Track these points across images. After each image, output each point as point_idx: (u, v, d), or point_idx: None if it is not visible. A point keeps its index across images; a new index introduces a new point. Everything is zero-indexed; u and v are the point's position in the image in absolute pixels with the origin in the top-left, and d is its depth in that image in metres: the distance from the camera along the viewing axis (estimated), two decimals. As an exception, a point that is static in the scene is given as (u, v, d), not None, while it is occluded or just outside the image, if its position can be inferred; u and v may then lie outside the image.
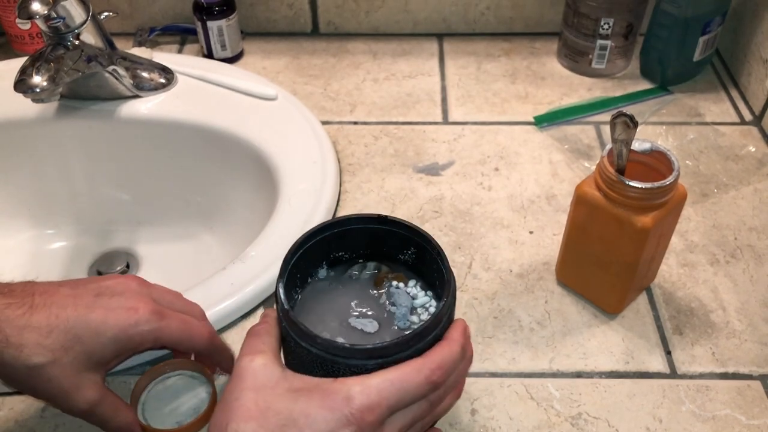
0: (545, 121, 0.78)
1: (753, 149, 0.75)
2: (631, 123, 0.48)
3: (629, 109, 0.74)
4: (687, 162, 0.73)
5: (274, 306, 0.45)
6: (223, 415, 0.38)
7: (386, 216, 0.48)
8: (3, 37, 0.87)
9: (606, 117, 0.79)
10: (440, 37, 0.93)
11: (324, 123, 0.77)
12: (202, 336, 0.47)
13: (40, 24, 0.65)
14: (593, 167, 0.70)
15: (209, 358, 0.49)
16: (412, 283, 0.50)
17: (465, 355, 0.42)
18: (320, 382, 0.39)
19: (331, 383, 0.38)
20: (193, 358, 0.50)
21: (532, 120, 0.79)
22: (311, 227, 0.48)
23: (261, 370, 0.39)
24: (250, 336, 0.42)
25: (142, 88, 0.75)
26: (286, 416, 0.37)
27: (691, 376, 0.54)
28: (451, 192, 0.70)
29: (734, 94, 0.83)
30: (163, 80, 0.77)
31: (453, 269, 0.45)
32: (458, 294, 0.57)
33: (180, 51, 0.89)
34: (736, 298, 0.60)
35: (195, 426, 0.47)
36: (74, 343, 0.42)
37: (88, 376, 0.43)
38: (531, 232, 0.66)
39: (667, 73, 0.83)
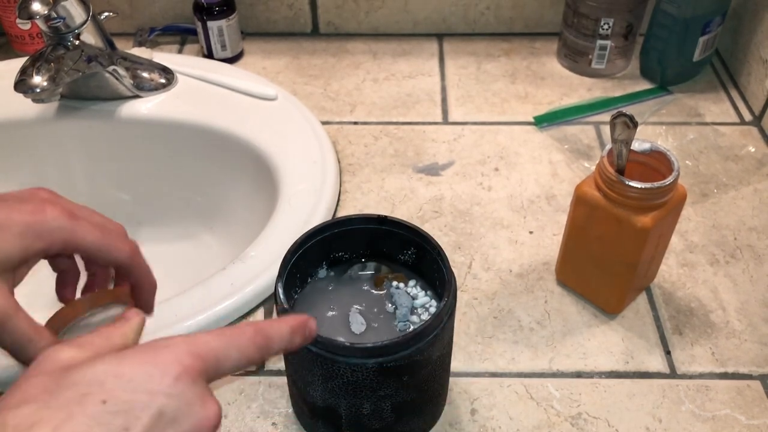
0: (545, 121, 0.79)
1: (753, 149, 0.75)
2: (631, 123, 0.49)
3: (629, 109, 0.74)
4: (687, 162, 0.73)
5: (274, 306, 0.45)
6: None
7: (386, 216, 0.48)
8: (3, 37, 0.87)
9: (606, 117, 0.79)
10: (440, 37, 0.93)
11: (324, 123, 0.77)
12: (121, 247, 0.42)
13: (41, 24, 0.65)
14: (593, 167, 0.70)
15: (130, 279, 0.44)
16: (412, 283, 0.50)
17: (292, 340, 0.38)
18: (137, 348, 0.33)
19: (147, 344, 0.33)
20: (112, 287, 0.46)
21: (532, 120, 0.79)
22: (311, 227, 0.48)
23: (66, 359, 0.31)
24: (87, 336, 0.34)
25: (142, 88, 0.75)
26: (87, 383, 0.30)
27: (691, 376, 0.54)
28: (451, 192, 0.70)
29: (734, 94, 0.83)
30: (163, 80, 0.77)
31: (453, 269, 0.45)
32: (458, 294, 0.57)
33: (180, 51, 0.89)
34: (735, 298, 0.60)
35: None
36: None
37: None
38: (531, 232, 0.66)
39: (667, 73, 0.83)
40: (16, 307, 0.38)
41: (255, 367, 0.53)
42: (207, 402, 0.32)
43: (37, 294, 0.50)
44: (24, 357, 0.38)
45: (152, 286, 0.45)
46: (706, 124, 0.78)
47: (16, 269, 0.39)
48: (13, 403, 0.29)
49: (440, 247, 0.46)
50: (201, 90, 0.78)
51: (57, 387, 0.29)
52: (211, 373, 0.33)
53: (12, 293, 0.39)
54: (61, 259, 0.45)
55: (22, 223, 0.38)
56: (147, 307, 0.46)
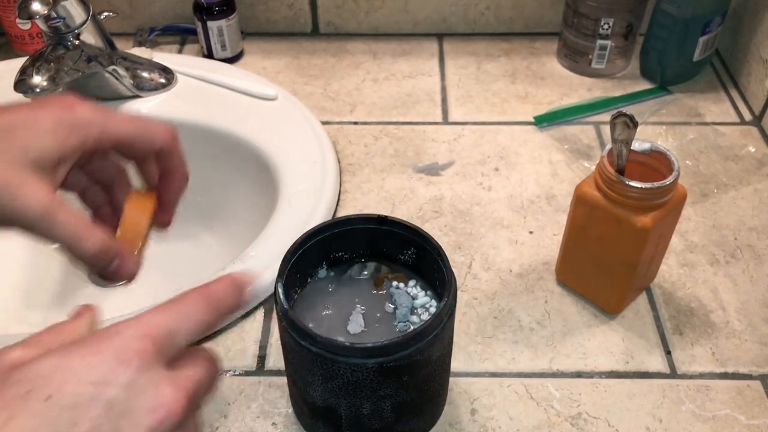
0: (545, 121, 0.79)
1: (753, 149, 0.75)
2: (631, 123, 0.49)
3: (629, 109, 0.74)
4: (687, 162, 0.73)
5: (273, 306, 0.45)
6: None
7: (386, 216, 0.48)
8: (3, 37, 0.87)
9: (606, 117, 0.79)
10: (440, 37, 0.93)
11: (324, 123, 0.77)
12: (160, 129, 0.40)
13: (40, 24, 0.65)
14: (593, 167, 0.70)
15: (167, 166, 0.42)
16: (412, 283, 0.50)
17: (239, 295, 0.37)
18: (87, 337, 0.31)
19: (94, 334, 0.31)
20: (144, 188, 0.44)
21: (532, 120, 0.79)
22: (311, 227, 0.48)
23: (13, 359, 0.29)
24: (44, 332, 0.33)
25: (142, 88, 0.75)
26: (31, 379, 0.28)
27: (691, 376, 0.54)
28: (451, 192, 0.70)
29: (734, 94, 0.83)
30: (163, 80, 0.77)
31: (453, 269, 0.45)
32: (458, 294, 0.57)
33: (180, 51, 0.89)
34: (736, 298, 0.60)
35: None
36: (1, 138, 0.36)
37: (32, 174, 0.36)
38: (531, 232, 0.66)
39: (667, 73, 0.83)
40: (60, 203, 0.36)
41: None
42: (162, 387, 0.30)
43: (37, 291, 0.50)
44: (79, 254, 0.37)
45: (185, 177, 0.44)
46: (706, 124, 0.78)
47: (55, 169, 0.38)
48: None
49: (440, 247, 0.46)
50: (201, 90, 0.78)
51: (0, 386, 0.28)
52: (166, 351, 0.31)
53: (54, 190, 0.37)
54: (93, 189, 0.43)
55: (53, 118, 0.37)
56: (172, 205, 0.44)
